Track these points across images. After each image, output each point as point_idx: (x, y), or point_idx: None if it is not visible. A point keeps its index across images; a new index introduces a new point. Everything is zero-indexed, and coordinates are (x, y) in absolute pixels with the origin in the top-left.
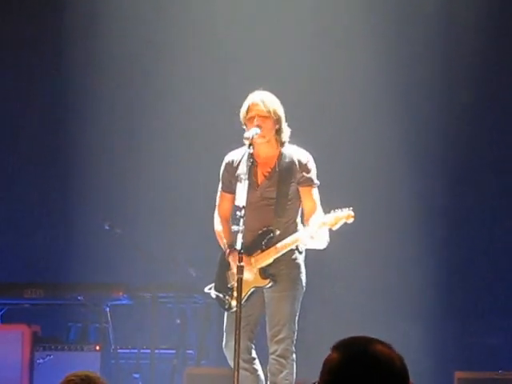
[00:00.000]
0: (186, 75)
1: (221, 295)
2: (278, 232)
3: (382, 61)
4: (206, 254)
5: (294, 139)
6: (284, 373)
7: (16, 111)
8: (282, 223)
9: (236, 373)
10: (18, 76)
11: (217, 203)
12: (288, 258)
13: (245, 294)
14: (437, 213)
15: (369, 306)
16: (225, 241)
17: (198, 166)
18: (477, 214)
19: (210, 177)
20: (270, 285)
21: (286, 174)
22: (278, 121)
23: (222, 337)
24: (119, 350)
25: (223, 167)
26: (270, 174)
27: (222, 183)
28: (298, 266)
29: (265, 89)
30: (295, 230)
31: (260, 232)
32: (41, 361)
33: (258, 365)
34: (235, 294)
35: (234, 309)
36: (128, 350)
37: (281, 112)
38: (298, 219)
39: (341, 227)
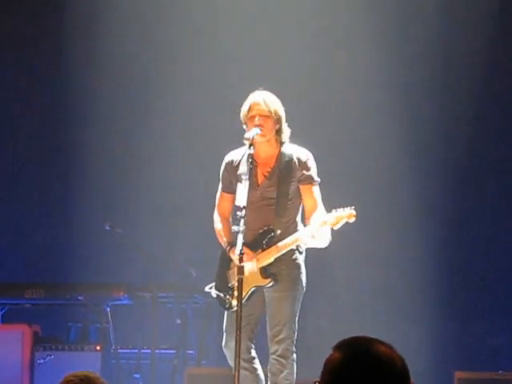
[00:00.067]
0: (186, 75)
1: (221, 294)
2: (278, 231)
3: (382, 60)
4: (207, 254)
5: (294, 139)
6: (284, 373)
7: (16, 111)
8: (283, 223)
9: (236, 372)
10: (18, 76)
11: (216, 203)
12: (289, 258)
13: (245, 293)
14: (437, 213)
15: (369, 305)
16: (225, 239)
17: (198, 165)
18: (477, 214)
19: (210, 177)
20: (270, 284)
21: (285, 173)
22: (278, 121)
23: (222, 337)
24: (120, 350)
25: (223, 167)
26: (269, 173)
27: (222, 183)
28: (299, 266)
29: (265, 89)
30: (295, 230)
31: (261, 231)
32: (41, 361)
33: (257, 364)
34: (236, 293)
35: (235, 308)
36: (128, 350)
37: (281, 112)
38: (299, 218)
39: (341, 227)
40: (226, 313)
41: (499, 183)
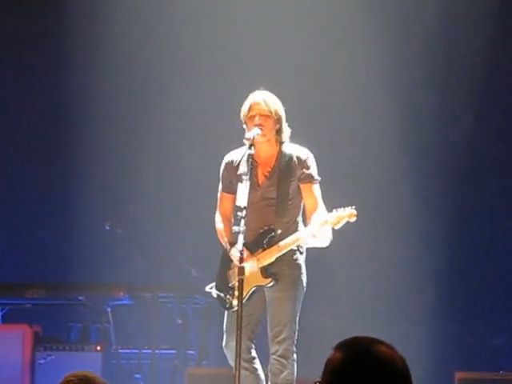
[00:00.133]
0: (187, 75)
1: (222, 294)
2: (279, 231)
3: (382, 60)
4: (207, 254)
5: (294, 139)
6: (285, 373)
7: (16, 111)
8: (284, 223)
9: (237, 372)
10: (18, 76)
11: (218, 203)
12: (289, 258)
13: (246, 293)
14: (437, 213)
15: (369, 305)
16: (226, 239)
17: (198, 165)
18: (477, 214)
19: (210, 177)
20: (271, 284)
21: (285, 173)
22: (278, 120)
23: (223, 337)
24: (120, 350)
25: (223, 167)
26: (270, 173)
27: (222, 183)
28: (299, 266)
29: (265, 89)
30: (296, 230)
31: (261, 231)
32: (42, 361)
33: (258, 364)
34: (236, 293)
35: (235, 308)
36: (129, 350)
37: (282, 112)
38: (300, 218)
39: (342, 226)
40: (226, 313)
41: (499, 183)
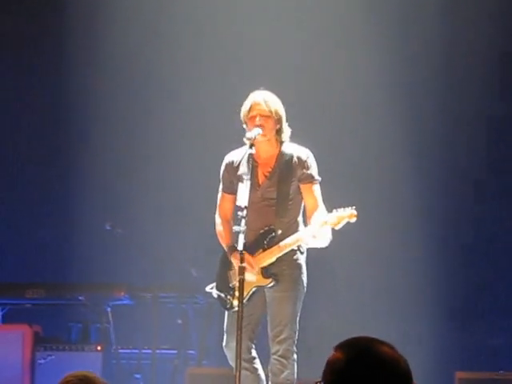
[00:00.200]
0: (187, 75)
1: (222, 295)
2: (279, 231)
3: (383, 60)
4: (208, 254)
5: (294, 139)
6: (285, 373)
7: (16, 111)
8: (284, 223)
9: (237, 373)
10: (18, 76)
11: (218, 204)
12: (290, 258)
13: (246, 293)
14: (438, 213)
15: (370, 305)
16: (226, 241)
17: (199, 165)
18: (477, 214)
19: (211, 177)
20: (271, 284)
21: (286, 173)
22: (279, 121)
23: (223, 337)
24: (120, 350)
25: (223, 168)
26: (270, 173)
27: (223, 184)
28: (300, 266)
29: (265, 89)
30: (297, 230)
31: (262, 231)
32: (42, 361)
33: (258, 364)
34: (237, 293)
35: (236, 308)
36: (129, 350)
37: (282, 112)
38: (300, 218)
39: (343, 226)
40: (226, 313)
41: (499, 183)
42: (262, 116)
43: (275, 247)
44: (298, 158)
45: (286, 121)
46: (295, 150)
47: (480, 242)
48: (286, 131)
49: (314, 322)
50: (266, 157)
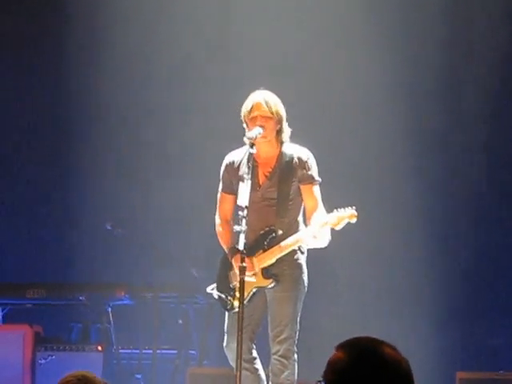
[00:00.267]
0: (187, 75)
1: (223, 295)
2: (280, 232)
3: (383, 60)
4: (208, 255)
5: (296, 139)
6: (286, 373)
7: (16, 111)
8: (285, 223)
9: (238, 373)
10: (18, 76)
11: (217, 205)
12: (290, 258)
13: (247, 294)
14: (439, 213)
15: (370, 306)
16: (226, 242)
17: (200, 165)
18: (478, 214)
19: (212, 176)
20: (272, 285)
21: (286, 173)
22: (279, 121)
23: (224, 337)
24: (121, 351)
25: (223, 168)
26: (270, 173)
27: (223, 184)
28: (300, 266)
29: (265, 89)
30: (297, 230)
31: (262, 232)
32: (43, 361)
33: (258, 364)
34: (237, 294)
35: (236, 309)
36: (130, 351)
37: (283, 112)
38: (300, 218)
39: (345, 226)
40: (227, 313)
41: (500, 183)
42: (263, 117)
43: (276, 247)
44: (299, 159)
45: (286, 121)
46: (296, 150)
47: (481, 241)
48: (286, 131)
49: (314, 322)
50: (267, 157)
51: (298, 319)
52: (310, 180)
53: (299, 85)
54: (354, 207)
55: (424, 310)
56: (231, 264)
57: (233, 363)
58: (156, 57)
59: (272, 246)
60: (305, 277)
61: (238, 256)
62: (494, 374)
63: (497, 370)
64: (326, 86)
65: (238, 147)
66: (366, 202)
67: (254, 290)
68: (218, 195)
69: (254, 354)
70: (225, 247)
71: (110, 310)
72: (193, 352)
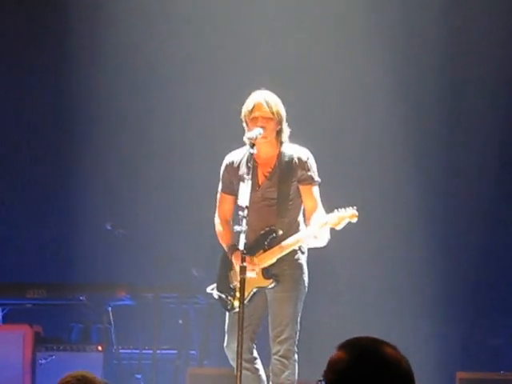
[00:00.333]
0: (188, 74)
1: (223, 296)
2: (280, 232)
3: (383, 60)
4: (209, 255)
5: (296, 139)
6: (286, 373)
7: (16, 111)
8: (285, 223)
9: (238, 373)
10: (18, 76)
11: (217, 205)
12: (291, 258)
13: (247, 294)
14: (440, 213)
15: (371, 306)
16: (226, 241)
17: (201, 165)
18: (479, 214)
19: (214, 176)
20: (272, 285)
21: (286, 173)
22: (280, 122)
23: (224, 337)
24: (121, 351)
25: (223, 168)
26: (270, 174)
27: (223, 184)
28: (301, 266)
29: (265, 88)
30: (297, 230)
31: (262, 232)
32: (43, 361)
33: (259, 364)
34: (237, 294)
35: (237, 309)
36: (130, 351)
37: (283, 113)
38: (300, 218)
39: (346, 226)
40: (227, 313)
41: (501, 184)
42: (263, 118)
43: (276, 248)
44: (299, 159)
45: (286, 121)
46: (295, 150)
47: (481, 241)
48: (286, 131)
49: (315, 322)
50: (266, 157)
51: (299, 319)
52: (310, 181)
53: (299, 85)
54: (354, 207)
55: (424, 309)
56: (231, 264)
57: (233, 363)
58: (156, 57)
59: (272, 246)
60: (305, 277)
61: (238, 253)
62: (494, 375)
63: (497, 371)
64: (326, 85)
65: (238, 147)
66: (366, 202)
67: (255, 290)
68: (218, 195)
69: (255, 353)
70: (224, 246)
71: (110, 310)
72: (193, 352)
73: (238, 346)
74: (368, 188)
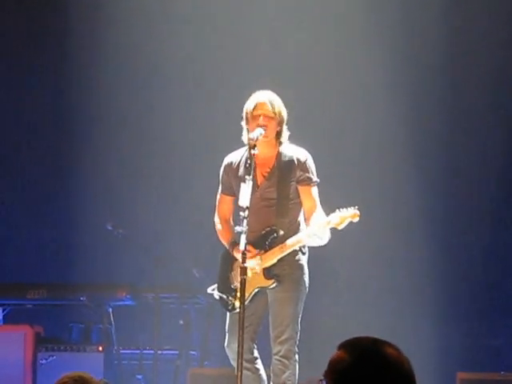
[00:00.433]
0: (189, 74)
1: (224, 296)
2: (281, 232)
3: (383, 60)
4: (209, 255)
5: (297, 138)
6: (287, 373)
7: (16, 111)
8: (285, 223)
9: (239, 373)
10: (18, 76)
11: (216, 205)
12: (291, 258)
13: (248, 294)
14: (440, 213)
15: (372, 305)
16: (226, 240)
17: (202, 165)
18: (479, 214)
19: (214, 176)
20: (274, 285)
21: (285, 173)
22: (280, 123)
23: (225, 337)
24: (122, 351)
25: (222, 169)
26: (269, 174)
27: (222, 185)
28: (302, 267)
29: (265, 88)
30: (298, 230)
31: (263, 232)
32: (43, 361)
33: (260, 364)
34: (238, 294)
35: (238, 309)
36: (131, 351)
37: (284, 115)
38: (301, 218)
39: (346, 226)
40: (228, 314)
41: (501, 184)
42: (266, 116)
43: (277, 248)
44: (297, 160)
45: (287, 124)
46: (294, 151)
47: (482, 241)
48: (285, 134)
49: (316, 323)
50: (265, 157)
51: (299, 320)
52: (308, 181)
53: (299, 85)
54: (356, 207)
55: (425, 310)
56: (232, 264)
57: (234, 363)
58: (156, 57)
59: (273, 247)
60: (306, 277)
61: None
62: (495, 375)
63: (498, 371)
64: (326, 85)
65: (238, 147)
66: (366, 202)
67: (256, 290)
68: (218, 196)
69: (255, 354)
70: (225, 243)
71: (110, 310)
72: (194, 352)
73: (238, 346)
74: (368, 188)
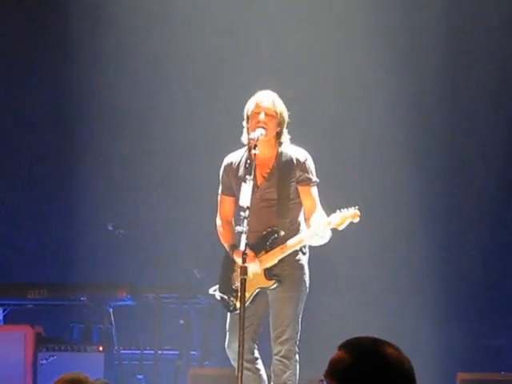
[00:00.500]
0: (190, 74)
1: (225, 297)
2: (282, 233)
3: (384, 59)
4: (210, 255)
5: (297, 138)
6: (287, 373)
7: (16, 111)
8: (286, 224)
9: (239, 373)
10: (18, 76)
11: (218, 206)
12: (292, 259)
13: (249, 295)
14: (441, 213)
15: (372, 305)
16: (228, 242)
17: (202, 165)
18: (480, 215)
19: (215, 176)
20: (274, 286)
21: (286, 174)
22: (281, 123)
23: (225, 337)
24: (122, 351)
25: (222, 169)
26: (268, 174)
27: (223, 185)
28: (302, 267)
29: (265, 88)
30: (299, 230)
31: (264, 233)
32: (44, 361)
33: (260, 365)
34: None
35: (239, 310)
36: (131, 351)
37: (286, 116)
38: (301, 218)
39: (347, 226)
40: (228, 314)
41: (502, 185)
42: (267, 115)
43: (277, 249)
44: (297, 160)
45: (287, 126)
46: (293, 151)
47: (483, 241)
48: (285, 136)
49: (316, 323)
50: (264, 158)
51: (300, 320)
52: (308, 181)
53: (299, 85)
54: (356, 207)
55: (426, 309)
56: (233, 265)
57: (234, 363)
58: (157, 57)
59: (274, 247)
60: (306, 278)
61: (240, 251)
62: (495, 375)
63: (498, 371)
64: (326, 85)
65: (239, 147)
66: (367, 202)
67: (257, 290)
68: (218, 197)
69: (256, 354)
70: (226, 246)
71: (111, 310)
72: (194, 353)
73: (239, 347)
74: (369, 188)
